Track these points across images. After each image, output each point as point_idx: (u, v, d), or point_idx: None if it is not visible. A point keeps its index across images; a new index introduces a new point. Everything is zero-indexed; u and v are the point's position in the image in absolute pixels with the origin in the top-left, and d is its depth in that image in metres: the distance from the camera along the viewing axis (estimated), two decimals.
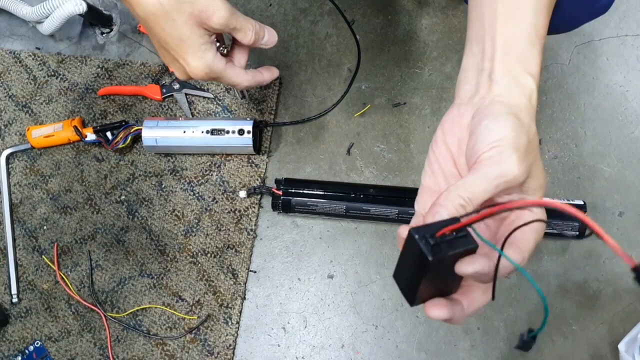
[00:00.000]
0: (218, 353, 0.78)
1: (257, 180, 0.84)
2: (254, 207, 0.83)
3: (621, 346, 0.71)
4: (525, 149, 0.38)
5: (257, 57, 0.88)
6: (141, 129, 0.81)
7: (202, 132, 0.80)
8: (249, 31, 0.57)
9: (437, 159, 0.44)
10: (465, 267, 0.34)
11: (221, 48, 0.60)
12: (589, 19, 0.58)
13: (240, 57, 0.63)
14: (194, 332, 0.79)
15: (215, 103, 0.87)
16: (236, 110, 0.87)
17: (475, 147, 0.39)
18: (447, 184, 0.43)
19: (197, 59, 0.55)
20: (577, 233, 0.75)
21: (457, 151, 0.43)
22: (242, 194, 0.83)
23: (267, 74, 0.67)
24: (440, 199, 0.37)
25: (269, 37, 0.61)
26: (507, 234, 0.36)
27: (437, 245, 0.33)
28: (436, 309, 0.36)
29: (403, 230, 0.37)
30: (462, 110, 0.43)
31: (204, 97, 0.87)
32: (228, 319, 0.79)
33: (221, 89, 0.87)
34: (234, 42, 0.62)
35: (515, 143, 0.38)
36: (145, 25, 0.54)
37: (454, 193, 0.36)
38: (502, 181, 0.37)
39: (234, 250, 0.81)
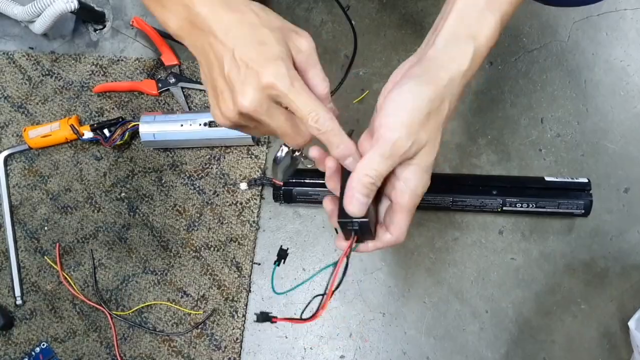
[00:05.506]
0: (225, 347, 0.78)
1: (258, 171, 0.83)
2: (256, 199, 0.82)
3: (631, 323, 0.71)
4: (419, 123, 0.40)
5: None
6: (138, 125, 0.81)
7: (200, 124, 0.79)
8: (325, 81, 0.47)
9: (376, 108, 0.45)
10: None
11: None
12: None
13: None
14: (200, 327, 0.78)
15: None
16: None
17: (377, 118, 0.42)
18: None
19: (271, 62, 0.41)
20: (583, 211, 0.74)
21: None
22: (243, 186, 0.82)
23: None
24: (353, 182, 0.41)
25: (333, 111, 0.47)
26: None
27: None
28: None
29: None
30: (404, 66, 0.45)
31: (201, 90, 0.86)
32: (234, 313, 0.79)
33: None
34: None
35: (408, 119, 0.40)
36: (224, 40, 0.42)
37: (362, 174, 0.41)
38: (395, 158, 0.40)
39: (237, 243, 0.81)
